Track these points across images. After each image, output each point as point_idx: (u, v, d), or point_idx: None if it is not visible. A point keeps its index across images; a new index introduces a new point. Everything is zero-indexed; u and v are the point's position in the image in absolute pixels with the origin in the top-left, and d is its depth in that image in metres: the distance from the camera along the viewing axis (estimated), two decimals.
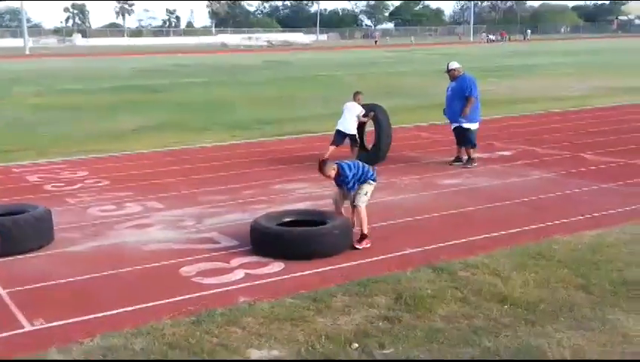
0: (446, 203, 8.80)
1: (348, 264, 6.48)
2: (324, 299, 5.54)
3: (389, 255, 6.72)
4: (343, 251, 6.71)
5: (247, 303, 5.52)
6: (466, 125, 11.10)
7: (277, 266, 6.44)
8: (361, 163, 7.34)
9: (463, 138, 11.18)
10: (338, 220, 6.95)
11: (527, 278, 5.96)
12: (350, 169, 7.07)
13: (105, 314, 5.42)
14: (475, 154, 11.23)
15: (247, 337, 4.91)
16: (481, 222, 7.91)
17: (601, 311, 5.27)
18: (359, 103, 11.43)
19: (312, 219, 7.05)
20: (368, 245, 6.94)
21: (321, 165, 7.17)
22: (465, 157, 11.25)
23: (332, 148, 11.35)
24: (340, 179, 7.09)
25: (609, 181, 9.78)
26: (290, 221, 7.10)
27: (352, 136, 11.46)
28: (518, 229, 7.53)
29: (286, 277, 6.18)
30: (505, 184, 9.92)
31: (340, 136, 11.44)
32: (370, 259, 6.60)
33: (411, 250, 6.85)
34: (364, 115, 11.29)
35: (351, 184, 7.04)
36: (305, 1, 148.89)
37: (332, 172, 7.08)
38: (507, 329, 4.96)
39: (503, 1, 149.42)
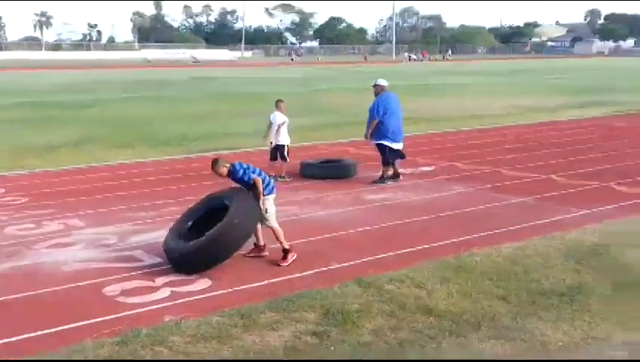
0: (372, 218, 8.93)
1: (275, 280, 6.48)
2: (251, 316, 5.52)
3: (316, 270, 6.76)
4: None
5: (173, 322, 5.43)
6: (376, 142, 11.30)
7: (203, 283, 6.37)
8: (258, 169, 7.22)
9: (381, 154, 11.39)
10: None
11: (451, 290, 6.12)
12: (241, 165, 7.07)
13: (22, 336, 5.22)
14: (387, 173, 11.32)
15: (173, 356, 4.83)
16: (406, 236, 8.07)
17: (521, 320, 5.47)
18: (282, 112, 11.53)
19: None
20: (294, 257, 6.99)
21: (214, 163, 7.11)
22: (396, 172, 11.42)
23: (283, 163, 11.53)
24: (233, 176, 7.05)
25: (526, 195, 10.17)
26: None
27: (280, 148, 11.51)
28: (441, 243, 7.72)
29: (212, 294, 6.13)
30: (428, 198, 10.15)
31: (274, 149, 11.53)
32: (297, 275, 6.62)
33: (338, 265, 6.92)
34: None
35: (242, 175, 6.96)
36: (230, 18, 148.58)
37: (224, 169, 7.04)
38: (432, 341, 5.08)
39: (423, 22, 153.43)
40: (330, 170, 11.79)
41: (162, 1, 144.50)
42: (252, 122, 20.34)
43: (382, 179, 11.27)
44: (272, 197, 7.16)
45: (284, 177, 11.41)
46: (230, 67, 70.98)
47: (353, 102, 25.98)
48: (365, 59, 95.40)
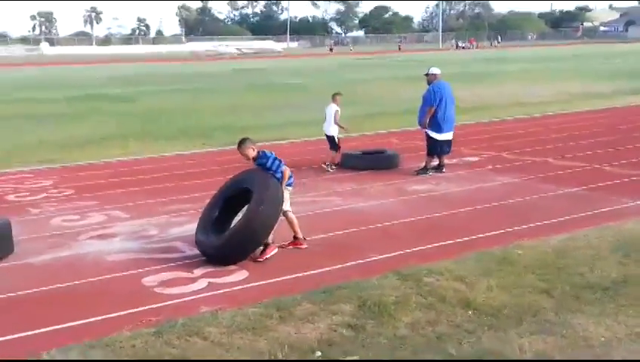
0: (413, 209, 8.80)
1: (313, 271, 6.43)
2: (287, 307, 5.48)
3: (355, 262, 6.68)
4: None
5: (209, 313, 5.43)
6: (429, 133, 11.11)
7: (240, 274, 6.37)
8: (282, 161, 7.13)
9: (427, 145, 11.23)
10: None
11: (492, 284, 5.96)
12: (271, 153, 7.04)
13: (63, 326, 5.30)
14: (431, 163, 11.17)
15: (208, 347, 4.83)
16: (448, 227, 7.92)
17: (564, 315, 5.29)
18: (337, 104, 11.60)
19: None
20: (305, 246, 7.09)
21: (241, 142, 7.03)
22: (441, 163, 11.20)
23: (332, 153, 11.64)
24: (260, 161, 6.99)
25: (574, 186, 9.88)
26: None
27: (330, 138, 11.55)
28: (484, 234, 7.55)
29: (249, 285, 6.12)
30: (472, 190, 9.96)
31: (327, 139, 11.74)
32: (335, 267, 6.55)
33: (377, 257, 6.83)
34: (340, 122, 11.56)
35: (270, 164, 6.91)
36: (275, 9, 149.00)
37: (251, 151, 6.97)
38: (471, 336, 4.95)
39: (471, 9, 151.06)
40: (371, 161, 11.68)
41: None
42: (291, 114, 20.37)
43: (424, 169, 11.10)
44: (291, 190, 7.16)
45: (328, 165, 11.44)
46: (274, 58, 71.20)
47: (390, 92, 25.77)
48: (399, 48, 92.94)
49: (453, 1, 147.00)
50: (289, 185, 7.09)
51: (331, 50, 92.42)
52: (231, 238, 6.56)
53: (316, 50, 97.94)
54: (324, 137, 11.92)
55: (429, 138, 11.13)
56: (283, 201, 6.83)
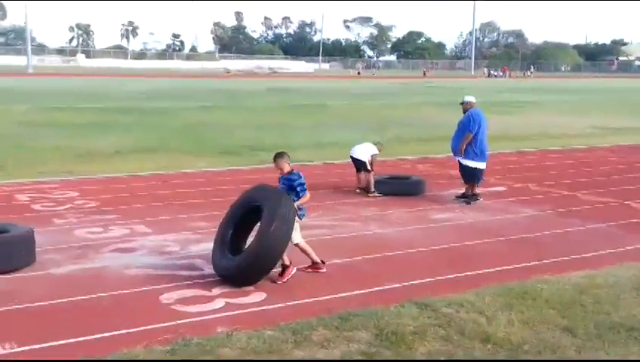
0: (435, 238, 8.71)
1: (331, 296, 6.38)
2: (303, 332, 5.44)
3: (374, 289, 6.62)
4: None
5: (224, 333, 5.41)
6: (463, 161, 11.05)
7: (258, 296, 6.34)
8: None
9: (462, 174, 11.16)
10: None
11: (512, 318, 5.86)
12: (301, 175, 7.04)
13: (77, 339, 5.31)
14: (468, 191, 11.09)
15: None
16: (469, 258, 7.82)
17: (585, 354, 5.17)
18: (378, 150, 11.70)
19: None
20: (323, 270, 7.07)
21: (279, 154, 7.13)
22: (473, 191, 11.12)
23: (369, 177, 11.56)
24: (289, 178, 6.99)
25: (601, 221, 9.72)
26: None
27: (360, 162, 11.57)
28: (506, 267, 7.44)
29: (266, 307, 6.08)
30: (496, 220, 9.84)
31: (354, 162, 11.67)
32: (353, 293, 6.50)
33: (396, 285, 6.75)
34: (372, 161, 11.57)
35: (297, 184, 6.92)
36: (308, 30, 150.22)
37: (286, 166, 7.04)
38: None
39: (505, 38, 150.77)
40: (397, 186, 11.62)
41: (243, 13, 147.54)
42: (319, 134, 20.41)
43: (469, 196, 11.01)
44: (300, 222, 6.99)
45: (373, 192, 11.45)
46: (303, 78, 71.64)
47: (417, 118, 25.72)
48: (424, 74, 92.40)
49: (487, 29, 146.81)
50: (301, 215, 6.98)
51: (359, 73, 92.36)
52: (245, 260, 6.51)
53: (346, 73, 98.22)
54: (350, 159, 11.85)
55: (464, 166, 11.05)
56: (294, 220, 6.72)
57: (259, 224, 6.64)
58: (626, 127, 24.62)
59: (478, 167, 10.98)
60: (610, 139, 21.00)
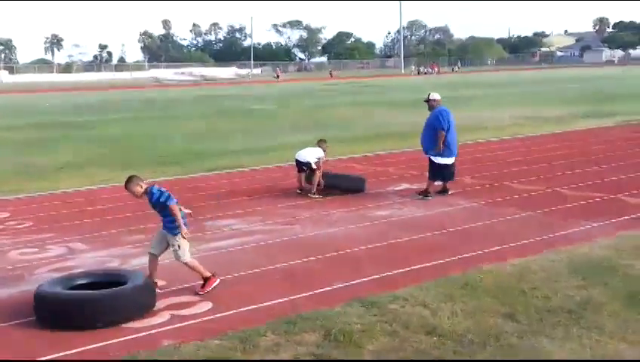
0: (376, 235, 8.82)
1: (277, 301, 6.38)
2: (251, 339, 5.43)
3: (319, 290, 6.66)
4: (147, 312, 6.08)
5: (171, 346, 5.35)
6: (434, 159, 11.25)
7: (204, 306, 6.29)
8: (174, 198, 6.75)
9: (429, 170, 11.38)
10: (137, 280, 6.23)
11: (456, 309, 6.00)
12: (159, 189, 6.71)
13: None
14: (432, 187, 11.30)
15: None
16: (410, 253, 7.95)
17: (528, 338, 5.34)
18: (323, 150, 11.71)
19: (108, 281, 6.31)
20: (217, 283, 6.69)
21: (128, 180, 6.69)
22: (445, 187, 11.34)
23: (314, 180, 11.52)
24: (150, 197, 6.67)
25: (532, 209, 10.03)
26: (85, 283, 6.37)
27: (306, 164, 11.54)
28: (446, 260, 7.59)
29: (213, 316, 6.05)
30: (433, 214, 10.04)
31: (302, 165, 11.59)
32: (299, 296, 6.52)
33: (341, 285, 6.81)
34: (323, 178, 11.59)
35: (159, 198, 6.59)
36: (238, 35, 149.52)
37: (138, 188, 6.63)
38: None
39: (431, 34, 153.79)
40: (337, 180, 11.76)
41: (171, 21, 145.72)
42: (254, 140, 20.37)
43: (426, 192, 11.21)
44: (184, 236, 6.66)
45: (314, 194, 11.45)
46: (232, 85, 71.30)
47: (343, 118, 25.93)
48: (331, 75, 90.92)
49: (414, 27, 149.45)
50: (181, 226, 6.61)
51: (277, 77, 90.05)
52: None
53: (264, 78, 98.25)
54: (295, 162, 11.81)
55: (432, 162, 11.27)
56: (174, 252, 6.58)
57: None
58: (551, 116, 25.46)
59: (447, 163, 11.19)
60: (537, 128, 21.67)
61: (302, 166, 11.63)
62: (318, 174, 11.53)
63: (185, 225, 6.67)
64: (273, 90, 55.72)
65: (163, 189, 6.77)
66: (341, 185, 11.72)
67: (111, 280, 6.29)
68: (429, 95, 11.60)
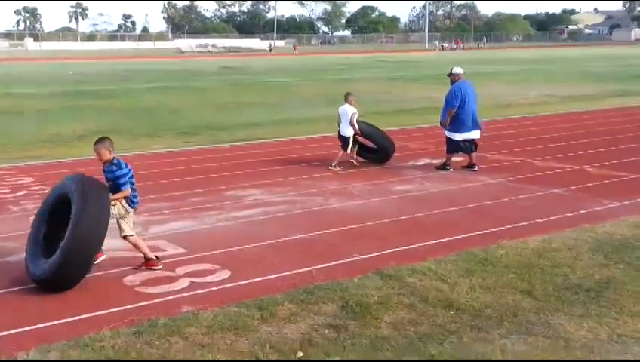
0: (396, 209, 8.80)
1: (295, 271, 6.40)
2: (269, 308, 5.46)
3: (337, 262, 6.67)
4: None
5: (190, 312, 5.40)
6: (446, 133, 11.30)
7: (223, 274, 6.33)
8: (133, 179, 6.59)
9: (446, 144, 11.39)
10: None
11: (474, 284, 5.98)
12: (126, 165, 6.49)
13: (42, 325, 5.24)
14: (450, 160, 11.35)
15: (188, 348, 4.79)
16: (430, 228, 7.93)
17: (545, 315, 5.31)
18: (352, 104, 11.53)
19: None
20: (158, 267, 6.46)
21: (101, 139, 6.49)
22: (472, 161, 11.32)
23: (341, 153, 11.51)
24: (110, 168, 6.43)
25: (556, 187, 9.93)
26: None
27: (344, 138, 11.51)
28: (466, 235, 7.56)
29: (232, 285, 6.08)
30: (455, 190, 9.98)
31: (341, 139, 11.58)
32: (317, 266, 6.53)
33: (360, 257, 6.82)
34: (358, 130, 11.45)
35: (120, 174, 6.36)
36: (262, 7, 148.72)
37: (107, 153, 6.38)
38: (452, 336, 4.96)
39: (458, 10, 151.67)
40: (375, 133, 11.81)
41: None
42: (277, 112, 20.35)
43: (444, 165, 11.27)
44: (132, 210, 6.57)
45: (334, 166, 11.38)
46: (259, 56, 71.10)
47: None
48: (294, 48, 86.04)
49: (440, 2, 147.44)
50: (133, 205, 6.54)
51: (270, 50, 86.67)
52: (56, 263, 5.79)
53: (301, 49, 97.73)
54: (338, 137, 11.76)
55: (447, 137, 11.29)
56: (109, 210, 6.19)
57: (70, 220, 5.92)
58: (577, 94, 25.09)
59: (462, 138, 11.14)
60: (563, 106, 21.38)
61: (343, 140, 11.59)
62: (350, 144, 11.47)
63: (133, 203, 6.52)
64: (292, 63, 55.46)
65: (129, 168, 6.52)
66: (377, 137, 11.75)
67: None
68: (451, 70, 11.49)
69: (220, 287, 6.02)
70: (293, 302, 5.59)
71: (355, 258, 6.79)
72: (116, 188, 6.43)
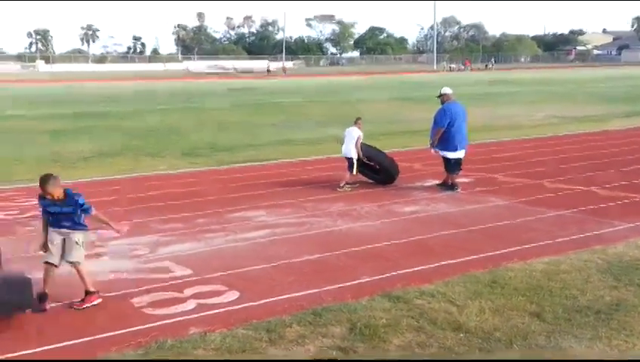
0: (403, 231, 8.78)
1: (303, 293, 6.39)
2: (277, 329, 5.44)
3: (345, 283, 6.65)
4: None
5: (198, 334, 5.39)
6: (440, 152, 11.40)
7: (231, 295, 6.33)
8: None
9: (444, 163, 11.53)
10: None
11: (483, 306, 5.94)
12: (80, 196, 6.29)
13: (49, 347, 5.24)
14: (450, 181, 11.42)
15: None
16: (438, 249, 7.90)
17: (555, 338, 5.27)
18: (360, 128, 11.69)
19: None
20: (98, 301, 6.19)
21: (46, 178, 6.15)
22: (453, 181, 11.40)
23: (348, 174, 11.60)
24: (72, 199, 6.20)
25: (565, 208, 9.88)
26: None
27: (349, 160, 11.60)
28: (475, 256, 7.53)
29: (240, 306, 6.07)
30: (463, 211, 9.95)
31: (346, 160, 11.70)
32: (325, 288, 6.51)
33: (368, 279, 6.79)
34: (362, 150, 11.56)
35: (78, 202, 6.19)
36: (271, 29, 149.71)
37: (59, 190, 6.14)
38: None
39: (465, 31, 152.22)
40: (378, 157, 11.84)
41: (205, 13, 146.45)
42: (285, 132, 20.41)
43: (453, 187, 11.31)
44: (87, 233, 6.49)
45: (343, 185, 11.44)
46: (267, 78, 71.51)
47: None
48: (284, 71, 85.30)
49: (447, 24, 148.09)
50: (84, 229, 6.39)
51: (268, 71, 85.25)
52: None
53: (309, 70, 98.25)
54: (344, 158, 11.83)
55: (442, 157, 11.46)
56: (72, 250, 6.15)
57: None
58: (586, 115, 25.05)
59: (454, 157, 11.27)
60: (571, 127, 21.34)
61: (349, 161, 11.68)
62: (355, 165, 11.53)
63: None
64: (299, 85, 55.70)
65: (81, 196, 6.34)
66: (379, 158, 11.79)
67: None
68: (441, 90, 11.62)
69: (227, 309, 6.01)
70: (301, 324, 5.57)
71: (363, 280, 6.75)
72: (73, 217, 6.23)
